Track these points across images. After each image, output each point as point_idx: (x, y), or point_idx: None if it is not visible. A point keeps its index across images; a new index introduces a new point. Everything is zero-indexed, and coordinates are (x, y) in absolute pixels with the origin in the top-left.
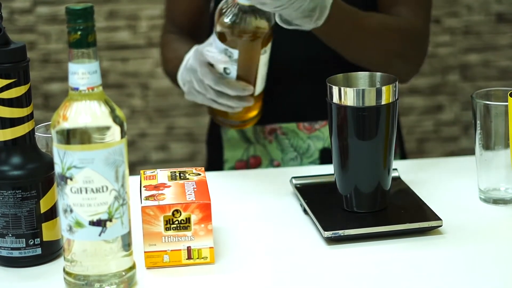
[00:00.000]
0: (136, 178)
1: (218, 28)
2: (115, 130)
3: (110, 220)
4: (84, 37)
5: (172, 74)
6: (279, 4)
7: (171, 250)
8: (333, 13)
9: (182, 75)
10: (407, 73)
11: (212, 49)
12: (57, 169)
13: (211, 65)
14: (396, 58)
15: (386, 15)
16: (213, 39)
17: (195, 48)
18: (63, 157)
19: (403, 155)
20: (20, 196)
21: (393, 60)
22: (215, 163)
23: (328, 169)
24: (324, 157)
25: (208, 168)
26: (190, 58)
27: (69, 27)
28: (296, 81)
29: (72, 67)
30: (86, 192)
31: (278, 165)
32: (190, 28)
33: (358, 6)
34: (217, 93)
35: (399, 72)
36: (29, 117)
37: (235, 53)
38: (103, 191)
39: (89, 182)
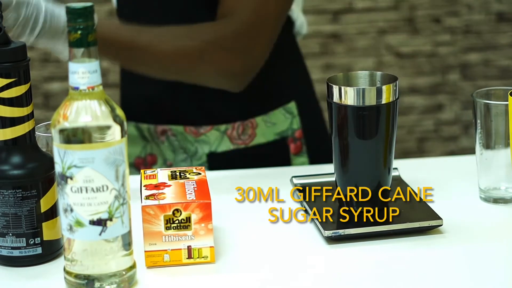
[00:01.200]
0: (136, 178)
1: None
2: (116, 129)
3: (111, 220)
4: (84, 36)
5: None
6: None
7: (172, 250)
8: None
9: None
10: (218, 80)
11: None
12: (58, 168)
13: None
14: (204, 64)
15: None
16: None
17: None
18: (64, 157)
19: (310, 154)
20: (20, 195)
21: (188, 70)
22: None
23: (329, 168)
24: (212, 161)
25: None
26: None
27: (69, 26)
28: (180, 85)
29: (72, 66)
30: (87, 191)
31: (170, 165)
32: None
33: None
34: None
35: (205, 81)
36: (30, 116)
37: None
38: (103, 190)
39: (90, 181)
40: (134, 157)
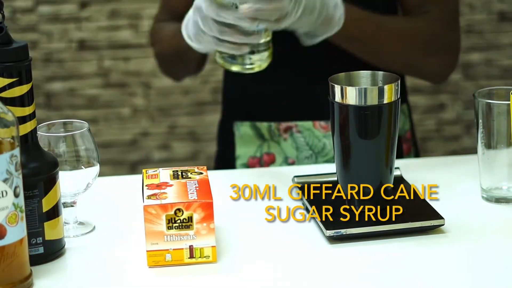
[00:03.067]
0: (138, 177)
1: None
2: None
3: None
4: None
5: (169, 53)
6: (289, 23)
7: (173, 249)
8: (348, 19)
9: (187, 22)
10: (436, 73)
11: None
12: None
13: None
14: (420, 59)
15: (406, 17)
16: None
17: None
18: None
19: (414, 146)
20: None
21: (416, 61)
22: (225, 160)
23: (330, 167)
24: None
25: (218, 165)
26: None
27: None
28: (312, 79)
29: None
30: None
31: (292, 163)
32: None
33: (379, 9)
34: (220, 29)
35: (426, 72)
36: (31, 116)
37: None
38: None
39: None
40: (248, 158)
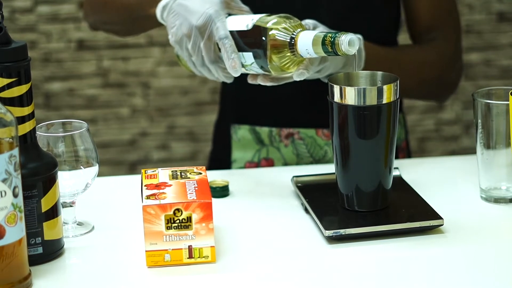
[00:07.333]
0: (137, 177)
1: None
2: None
3: None
4: None
5: (117, 6)
6: (317, 71)
7: (172, 249)
8: (369, 58)
9: (169, 8)
10: (443, 97)
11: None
12: None
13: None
14: (431, 87)
15: (419, 47)
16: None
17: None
18: None
19: (408, 155)
20: None
21: (429, 89)
22: (220, 162)
23: (329, 168)
24: None
25: (212, 165)
26: (206, 11)
27: None
28: (316, 88)
29: None
30: None
31: None
32: None
33: (384, 31)
34: (203, 62)
35: (435, 97)
36: (30, 116)
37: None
38: None
39: None
40: (245, 162)
